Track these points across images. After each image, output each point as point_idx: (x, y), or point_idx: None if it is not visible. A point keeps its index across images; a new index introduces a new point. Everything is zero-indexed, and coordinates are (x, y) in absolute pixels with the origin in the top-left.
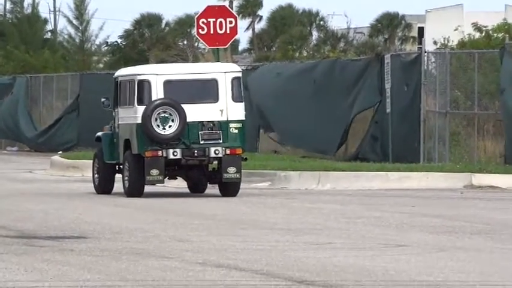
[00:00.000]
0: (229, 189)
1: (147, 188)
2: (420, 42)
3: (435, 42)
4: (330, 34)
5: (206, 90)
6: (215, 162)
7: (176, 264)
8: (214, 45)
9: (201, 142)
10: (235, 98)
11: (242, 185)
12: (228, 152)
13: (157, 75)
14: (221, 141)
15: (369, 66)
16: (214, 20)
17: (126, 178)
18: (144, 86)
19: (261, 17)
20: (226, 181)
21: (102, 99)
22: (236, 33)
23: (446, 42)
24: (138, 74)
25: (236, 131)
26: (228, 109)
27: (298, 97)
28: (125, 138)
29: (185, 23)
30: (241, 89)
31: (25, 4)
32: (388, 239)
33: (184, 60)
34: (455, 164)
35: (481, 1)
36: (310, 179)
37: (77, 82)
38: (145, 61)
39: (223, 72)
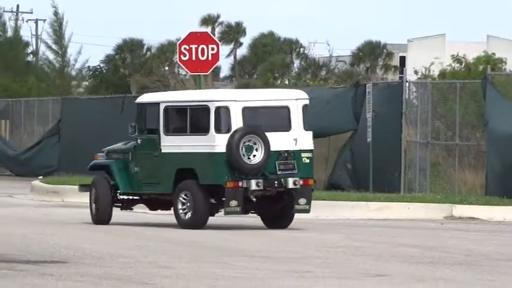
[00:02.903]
0: (283, 221)
1: (128, 215)
2: (401, 72)
3: (416, 72)
4: (311, 62)
5: (279, 118)
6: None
7: None
8: (195, 72)
9: (278, 173)
10: (306, 127)
11: (220, 213)
12: (301, 182)
13: (236, 101)
14: (296, 172)
15: (345, 94)
16: (196, 46)
17: (185, 209)
18: (222, 113)
19: (241, 44)
20: (296, 213)
21: (131, 125)
22: (218, 60)
23: (427, 72)
24: (215, 100)
25: (308, 160)
26: (300, 138)
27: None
28: (179, 168)
29: (167, 49)
30: (308, 117)
31: (7, 27)
32: (368, 269)
33: (166, 86)
34: (436, 194)
35: (463, 31)
36: None
37: (58, 107)
38: (127, 87)
39: (295, 99)
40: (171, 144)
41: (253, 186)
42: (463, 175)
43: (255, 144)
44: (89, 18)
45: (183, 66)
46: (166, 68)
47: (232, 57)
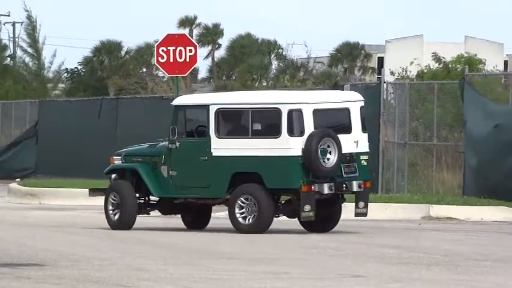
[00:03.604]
0: (329, 224)
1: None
2: (380, 73)
3: (392, 73)
4: (290, 63)
5: (342, 120)
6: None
7: None
8: (173, 74)
9: (344, 176)
10: (363, 128)
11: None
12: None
13: (308, 104)
14: (357, 175)
15: None
16: (174, 48)
17: (243, 213)
18: (295, 116)
19: (219, 45)
20: (356, 216)
21: (173, 128)
22: (196, 62)
23: (404, 73)
24: (288, 103)
25: (366, 163)
26: (360, 140)
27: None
28: (237, 171)
29: (145, 51)
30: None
31: None
32: (345, 270)
33: (144, 88)
34: (414, 195)
35: (441, 32)
36: None
37: (36, 109)
38: (104, 89)
39: (354, 101)
40: (225, 147)
41: (326, 190)
42: (441, 175)
43: (329, 147)
44: (67, 21)
45: (160, 68)
46: (144, 70)
47: (210, 59)
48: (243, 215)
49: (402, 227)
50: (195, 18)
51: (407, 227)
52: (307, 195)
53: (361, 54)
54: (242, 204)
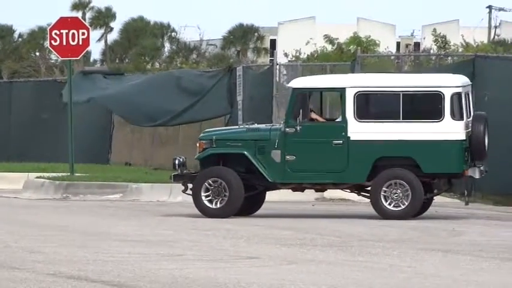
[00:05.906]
0: (423, 209)
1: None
2: (272, 54)
3: (286, 55)
4: (182, 46)
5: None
6: None
7: (27, 276)
8: (66, 57)
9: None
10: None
11: (92, 197)
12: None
13: (463, 87)
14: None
15: (219, 78)
16: (67, 31)
17: (387, 199)
18: (456, 99)
19: (111, 29)
20: (466, 205)
21: (295, 112)
22: (88, 45)
23: (298, 54)
24: (451, 86)
25: None
26: None
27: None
28: (380, 156)
29: (37, 35)
30: None
31: None
32: (239, 251)
33: (37, 71)
34: None
35: (333, 13)
36: (162, 191)
37: None
38: None
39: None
40: (367, 131)
41: (477, 175)
42: None
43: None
44: None
45: (53, 51)
46: (37, 54)
47: (103, 42)
48: (387, 200)
49: (295, 208)
50: (89, 1)
51: (300, 209)
52: (465, 180)
53: (254, 36)
54: (386, 190)
